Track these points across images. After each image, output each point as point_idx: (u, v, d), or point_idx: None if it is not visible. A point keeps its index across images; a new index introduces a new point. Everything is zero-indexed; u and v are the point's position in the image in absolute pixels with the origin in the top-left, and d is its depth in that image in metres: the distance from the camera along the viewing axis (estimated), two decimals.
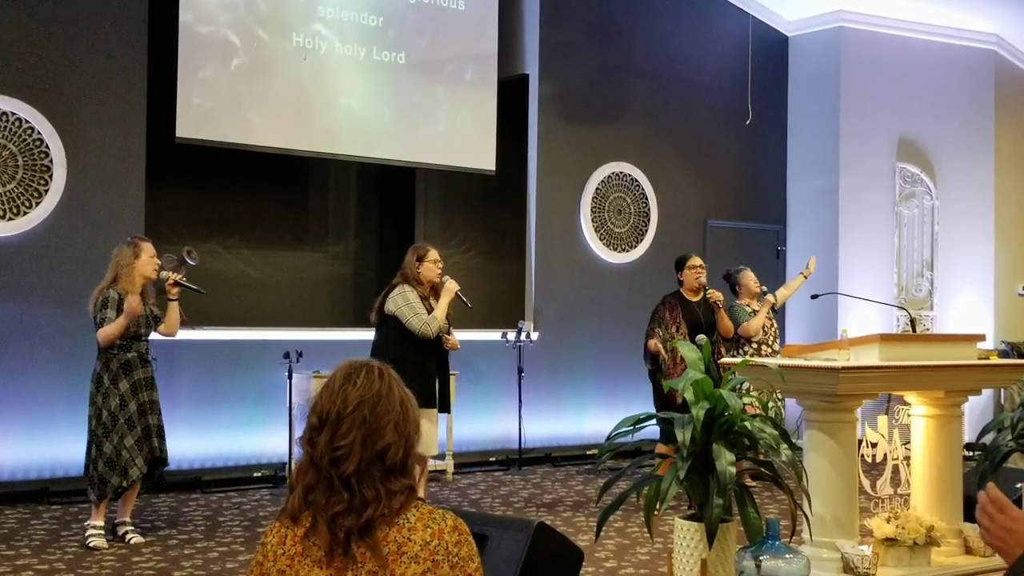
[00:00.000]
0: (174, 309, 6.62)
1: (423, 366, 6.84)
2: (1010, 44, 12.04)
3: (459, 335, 7.25)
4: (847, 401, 5.10)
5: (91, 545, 6.26)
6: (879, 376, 5.19)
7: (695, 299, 8.13)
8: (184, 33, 8.44)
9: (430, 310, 6.89)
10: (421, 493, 7.02)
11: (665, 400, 7.47)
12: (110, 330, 6.27)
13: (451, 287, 6.98)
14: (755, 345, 8.68)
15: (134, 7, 8.30)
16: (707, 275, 8.31)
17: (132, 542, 6.39)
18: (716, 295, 8.10)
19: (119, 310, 6.28)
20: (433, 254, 7.05)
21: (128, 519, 6.57)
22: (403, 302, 6.85)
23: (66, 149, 7.97)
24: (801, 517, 4.56)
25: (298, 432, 8.42)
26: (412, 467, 2.34)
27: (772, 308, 8.81)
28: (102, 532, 6.37)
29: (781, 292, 9.24)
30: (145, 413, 6.41)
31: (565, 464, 9.88)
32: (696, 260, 8.26)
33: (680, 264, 8.32)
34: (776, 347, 8.57)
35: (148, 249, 6.51)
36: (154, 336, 6.62)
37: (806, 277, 9.24)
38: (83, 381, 7.75)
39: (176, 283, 6.58)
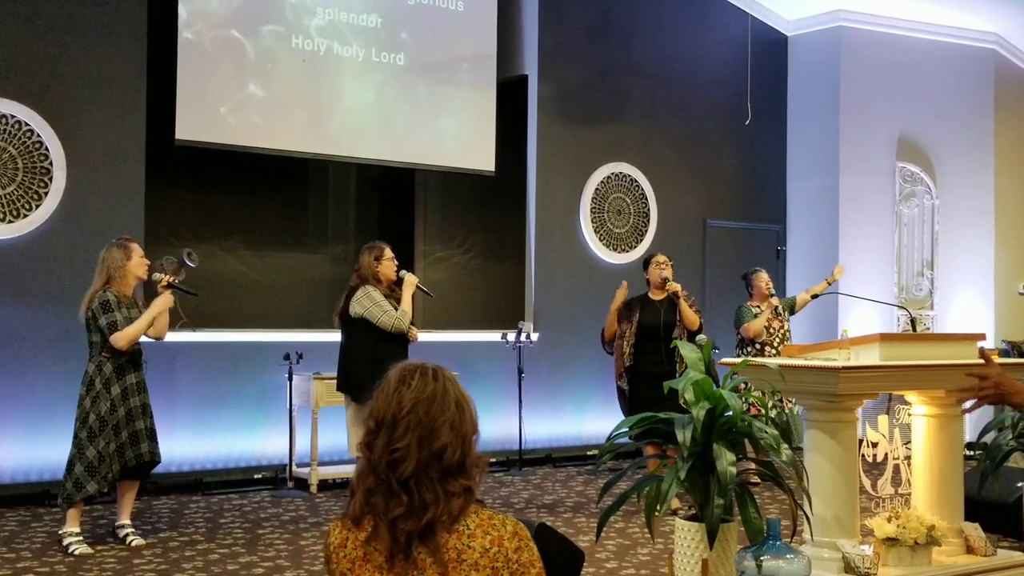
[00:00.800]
0: (165, 313, 6.54)
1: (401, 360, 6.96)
2: (1010, 43, 12.04)
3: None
4: (848, 401, 5.10)
5: (77, 553, 6.18)
6: (879, 376, 5.19)
7: (659, 297, 8.02)
8: (183, 35, 8.44)
9: (395, 307, 7.01)
10: None
11: (638, 403, 7.51)
12: (134, 329, 6.25)
13: (411, 280, 7.15)
14: (757, 346, 8.70)
15: (133, 10, 8.29)
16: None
17: (133, 544, 6.37)
18: (673, 285, 7.91)
19: (121, 311, 6.25)
20: (388, 252, 7.21)
21: (128, 521, 6.54)
22: (370, 302, 6.98)
23: (66, 151, 7.97)
24: (802, 517, 4.56)
25: (299, 434, 8.44)
26: (471, 468, 2.32)
27: (776, 311, 8.83)
28: (81, 537, 6.31)
29: (802, 296, 9.27)
30: (135, 418, 6.34)
31: (565, 465, 9.88)
32: (660, 257, 8.13)
33: (645, 263, 8.24)
34: (781, 349, 8.57)
35: (138, 250, 6.49)
36: (144, 339, 6.56)
37: (830, 283, 9.32)
38: None
39: (169, 285, 6.52)
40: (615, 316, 8.08)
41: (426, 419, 2.27)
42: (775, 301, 8.87)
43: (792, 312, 9.11)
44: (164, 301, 6.40)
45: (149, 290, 6.65)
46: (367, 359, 6.99)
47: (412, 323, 7.19)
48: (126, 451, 6.30)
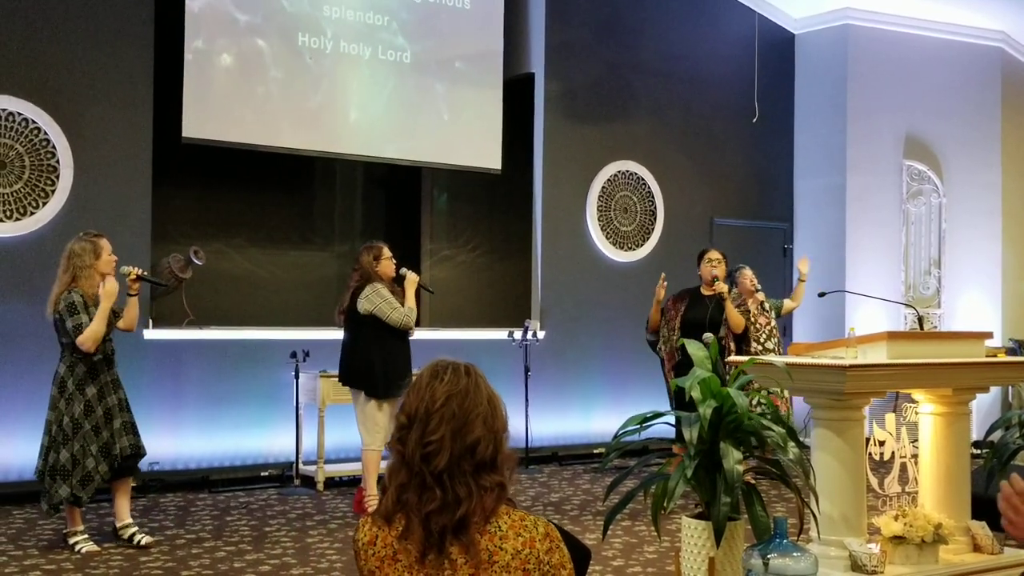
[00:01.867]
0: (134, 304, 6.40)
1: (408, 358, 7.24)
2: (1017, 41, 12.02)
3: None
4: (855, 399, 5.09)
5: (84, 552, 6.16)
6: (887, 374, 5.18)
7: (709, 293, 7.98)
8: (190, 34, 8.45)
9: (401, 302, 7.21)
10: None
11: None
12: (95, 328, 6.04)
13: (412, 278, 7.29)
14: (746, 344, 8.64)
15: (141, 8, 8.30)
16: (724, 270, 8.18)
17: (142, 543, 6.30)
18: (719, 287, 7.87)
19: (88, 312, 6.11)
20: (387, 251, 7.33)
21: (129, 520, 6.44)
22: (379, 299, 7.10)
23: (72, 149, 7.98)
24: (809, 515, 4.55)
25: (306, 431, 8.44)
26: (503, 464, 2.32)
27: (762, 306, 8.79)
28: (87, 536, 6.29)
29: (788, 303, 9.21)
30: (113, 417, 6.22)
31: (572, 463, 9.87)
32: (713, 253, 8.02)
33: (699, 258, 8.11)
34: (768, 346, 8.56)
35: (107, 246, 6.31)
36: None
37: (803, 281, 9.23)
38: None
39: (139, 278, 6.38)
40: (658, 307, 8.02)
41: (459, 412, 2.28)
42: (760, 296, 8.82)
43: (778, 315, 9.04)
44: (111, 288, 6.11)
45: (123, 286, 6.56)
46: (378, 354, 7.10)
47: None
48: (112, 449, 6.18)
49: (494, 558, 2.23)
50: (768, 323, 8.78)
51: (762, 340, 8.64)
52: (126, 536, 6.37)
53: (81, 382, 6.13)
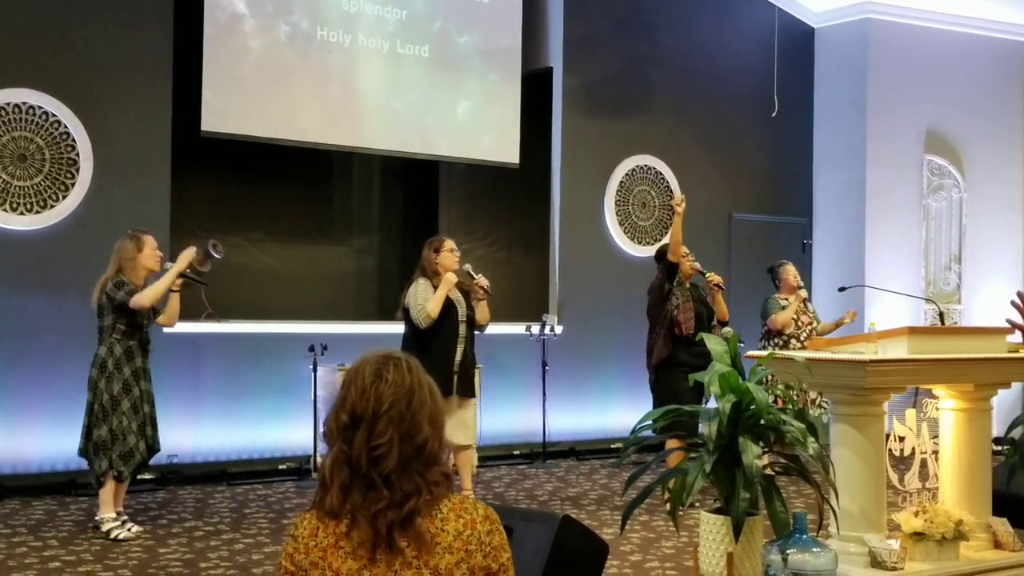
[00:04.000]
0: (175, 300, 6.64)
1: (446, 356, 6.95)
2: None
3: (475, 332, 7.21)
4: (875, 394, 5.06)
5: (120, 538, 6.24)
6: (907, 369, 5.15)
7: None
8: (209, 27, 8.46)
9: (448, 301, 6.96)
10: (468, 485, 7.07)
11: (669, 395, 7.34)
12: (155, 288, 6.37)
13: (450, 278, 7.01)
14: (784, 338, 8.65)
15: (159, 2, 8.32)
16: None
17: (133, 530, 6.36)
18: (715, 277, 7.81)
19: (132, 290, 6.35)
20: (449, 244, 7.13)
21: (120, 508, 6.50)
22: (413, 295, 7.00)
23: (92, 143, 8.01)
24: (828, 511, 4.53)
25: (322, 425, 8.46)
26: (443, 455, 2.33)
27: (805, 304, 8.78)
28: (120, 521, 6.36)
29: (824, 325, 9.03)
30: (149, 403, 6.49)
31: (589, 458, 9.86)
32: (684, 248, 7.75)
33: (665, 256, 7.82)
34: (807, 344, 8.50)
35: (150, 242, 6.56)
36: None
37: (841, 324, 8.98)
38: None
39: (180, 275, 6.58)
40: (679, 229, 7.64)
41: (407, 414, 2.27)
42: (803, 294, 8.82)
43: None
44: (185, 258, 6.51)
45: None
46: (414, 347, 6.94)
47: (476, 322, 7.16)
48: (146, 429, 6.41)
49: (436, 539, 2.24)
50: (810, 321, 8.77)
51: (802, 338, 8.61)
52: (104, 529, 6.36)
53: (119, 362, 6.34)
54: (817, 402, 8.34)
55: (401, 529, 2.22)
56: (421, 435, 2.27)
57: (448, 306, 6.98)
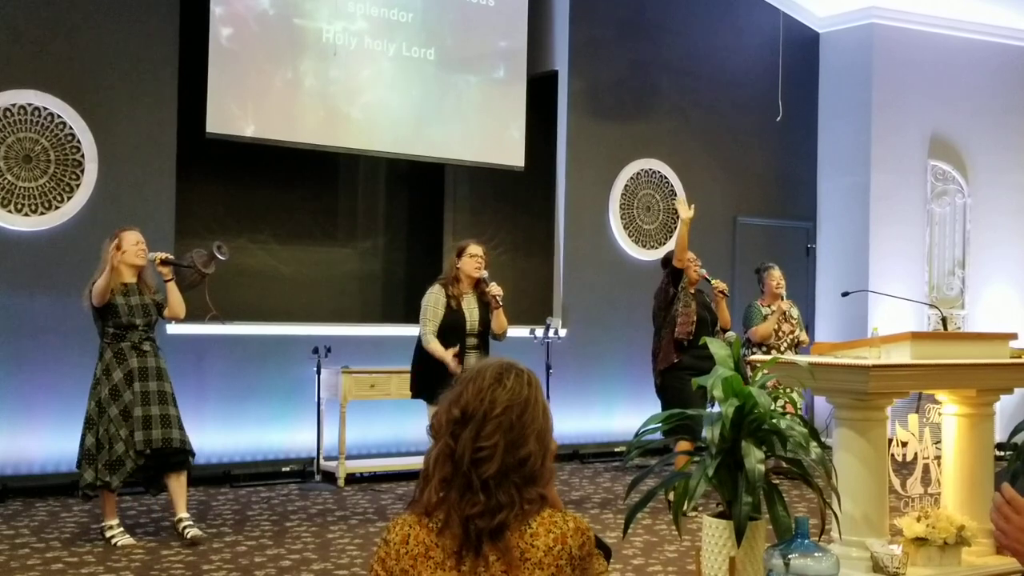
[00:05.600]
0: (171, 290, 6.49)
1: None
2: None
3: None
4: (877, 399, 5.07)
5: (120, 545, 6.20)
6: (910, 374, 5.16)
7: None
8: (215, 29, 8.48)
9: (457, 309, 6.87)
10: None
11: (677, 398, 7.34)
12: (96, 284, 6.18)
13: (496, 291, 6.89)
14: (763, 349, 8.58)
15: (165, 3, 8.34)
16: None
17: (189, 536, 6.27)
18: (720, 284, 7.81)
19: (117, 297, 6.24)
20: (473, 248, 6.97)
21: (184, 514, 6.38)
22: (424, 303, 6.89)
23: (97, 144, 8.02)
24: (831, 516, 4.53)
25: (327, 427, 8.44)
26: (547, 476, 2.33)
27: (787, 315, 8.69)
28: (121, 529, 6.31)
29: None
30: (149, 403, 6.20)
31: (593, 461, 9.87)
32: (691, 253, 7.76)
33: (670, 262, 7.79)
34: (788, 355, 8.47)
35: (129, 237, 6.37)
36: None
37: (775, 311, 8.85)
38: None
39: (164, 262, 6.45)
40: (687, 235, 7.63)
41: (517, 424, 2.27)
42: (785, 305, 8.71)
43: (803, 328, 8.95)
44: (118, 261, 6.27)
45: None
46: (420, 352, 6.90)
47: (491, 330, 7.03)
48: (135, 434, 6.13)
49: (526, 555, 2.23)
50: (792, 331, 8.70)
51: (781, 349, 8.56)
52: (179, 529, 6.35)
53: (108, 367, 6.23)
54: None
55: (490, 539, 2.22)
56: (526, 448, 2.27)
57: (455, 314, 6.88)
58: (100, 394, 6.20)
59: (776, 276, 8.75)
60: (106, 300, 6.22)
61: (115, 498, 6.41)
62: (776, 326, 8.62)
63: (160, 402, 6.29)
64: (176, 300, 6.55)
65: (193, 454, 6.47)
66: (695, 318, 7.59)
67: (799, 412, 8.27)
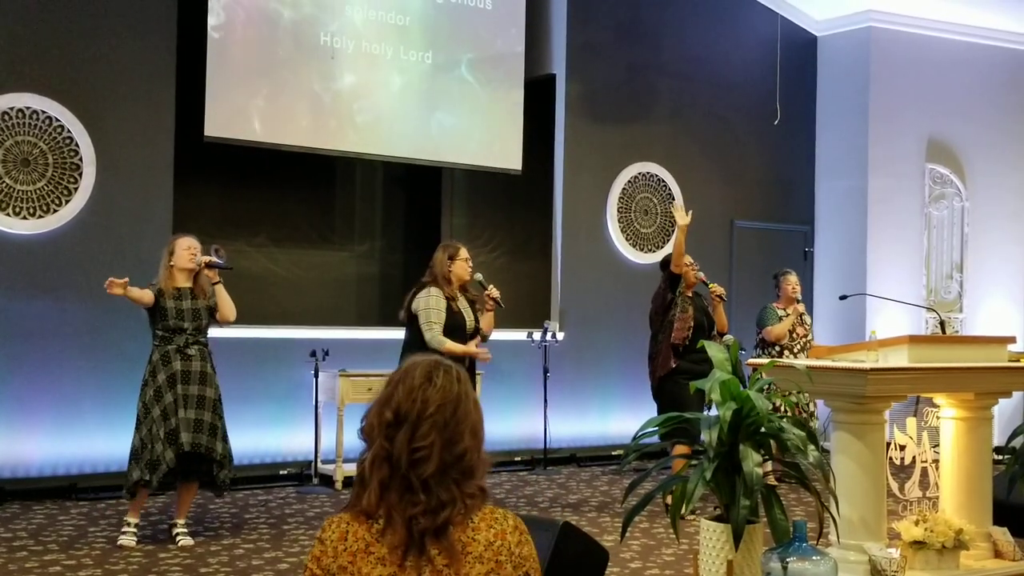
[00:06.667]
0: (219, 293, 6.54)
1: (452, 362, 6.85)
2: None
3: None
4: (875, 403, 5.07)
5: (118, 543, 6.25)
6: (908, 378, 5.15)
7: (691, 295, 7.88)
8: (212, 32, 8.48)
9: (457, 310, 6.88)
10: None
11: (673, 403, 7.35)
12: (135, 294, 6.29)
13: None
14: (777, 349, 8.64)
15: (163, 6, 8.34)
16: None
17: (180, 543, 6.31)
18: (718, 288, 7.81)
19: (167, 300, 6.35)
20: (464, 252, 7.00)
21: (180, 520, 6.46)
22: (425, 305, 6.84)
23: (95, 147, 8.02)
24: (828, 519, 4.53)
25: (325, 430, 8.43)
26: (480, 469, 2.35)
27: (802, 317, 8.79)
28: (133, 530, 6.33)
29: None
30: (188, 407, 6.27)
31: (590, 464, 9.86)
32: (688, 256, 7.80)
33: (669, 264, 7.83)
34: (801, 358, 8.49)
35: (181, 243, 6.49)
36: (215, 332, 6.63)
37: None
38: (111, 378, 7.86)
39: (209, 264, 6.51)
40: (683, 242, 7.63)
41: (451, 421, 2.29)
42: (801, 307, 8.82)
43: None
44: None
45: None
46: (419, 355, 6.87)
47: (480, 331, 7.06)
48: (179, 437, 6.21)
49: (467, 549, 2.25)
50: (805, 334, 8.78)
51: (795, 350, 8.63)
52: (172, 533, 6.42)
53: (155, 368, 6.32)
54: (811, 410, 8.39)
55: (434, 537, 2.24)
56: (462, 444, 2.29)
57: (456, 316, 6.89)
58: (146, 395, 6.29)
59: (792, 281, 8.89)
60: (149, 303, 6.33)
61: (145, 497, 6.48)
62: (791, 328, 8.70)
63: (198, 407, 6.34)
64: (224, 303, 6.58)
65: (223, 466, 6.44)
66: (692, 323, 7.60)
67: (814, 413, 8.31)
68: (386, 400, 2.33)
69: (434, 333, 6.79)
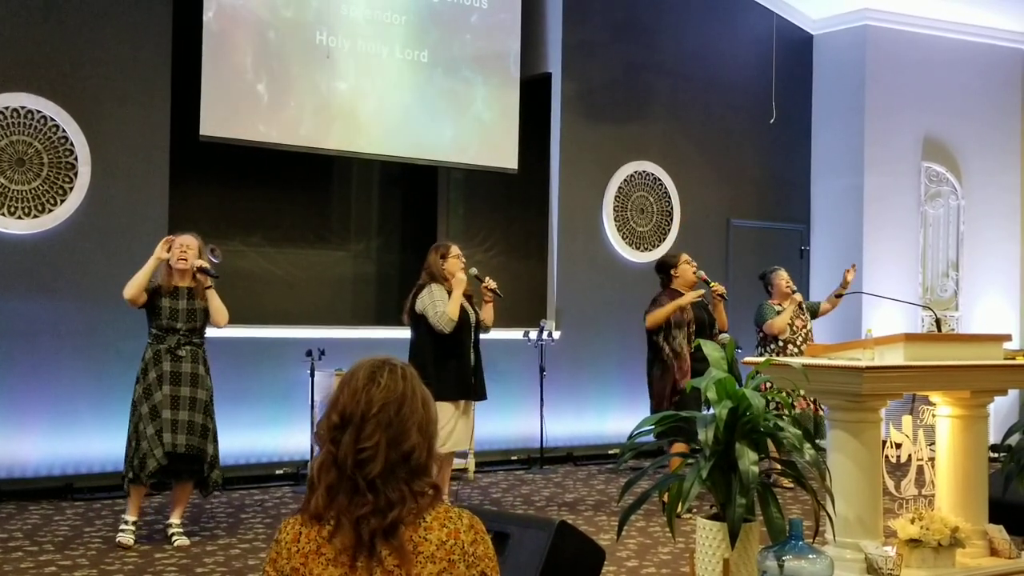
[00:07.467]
0: (211, 297, 6.52)
1: (462, 360, 6.91)
2: None
3: (480, 333, 7.18)
4: (871, 401, 5.07)
5: (116, 541, 6.25)
6: (904, 376, 5.16)
7: (694, 297, 7.87)
8: (208, 31, 8.47)
9: (463, 308, 6.92)
10: (445, 490, 7.02)
11: (669, 400, 7.40)
12: (132, 280, 6.29)
13: (460, 278, 6.95)
14: (780, 344, 8.65)
15: (159, 5, 8.33)
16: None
17: (176, 543, 6.30)
18: (719, 287, 7.82)
19: (163, 299, 6.34)
20: (455, 250, 7.07)
21: (175, 520, 6.45)
22: (429, 300, 6.88)
23: (90, 147, 8.01)
24: (824, 517, 4.53)
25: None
26: (432, 466, 2.34)
27: (800, 307, 8.78)
28: (131, 528, 6.32)
29: (824, 305, 9.11)
30: (177, 407, 6.27)
31: (587, 463, 9.86)
32: (686, 255, 7.88)
33: (671, 263, 7.85)
34: (804, 349, 8.49)
35: (180, 242, 6.47)
36: (211, 332, 6.62)
37: (844, 289, 9.03)
38: (107, 378, 7.84)
39: (200, 269, 6.49)
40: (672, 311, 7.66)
41: (396, 420, 2.27)
42: (799, 297, 8.81)
43: (813, 316, 9.01)
44: (159, 248, 6.40)
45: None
46: (431, 353, 6.89)
47: (481, 323, 7.10)
48: (164, 437, 6.21)
49: (419, 549, 2.24)
50: (804, 325, 8.78)
51: (798, 343, 8.63)
52: (168, 533, 6.42)
53: (146, 366, 6.35)
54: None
55: (384, 537, 2.22)
56: (408, 442, 2.27)
57: (463, 313, 6.92)
58: (136, 391, 6.33)
59: (784, 276, 8.86)
60: (139, 296, 6.30)
61: (141, 495, 6.47)
62: (791, 320, 8.68)
63: (189, 408, 6.33)
64: (215, 309, 6.55)
65: (212, 467, 6.44)
66: (688, 365, 7.57)
67: (820, 409, 8.30)
68: (333, 403, 2.32)
69: (437, 312, 6.82)
